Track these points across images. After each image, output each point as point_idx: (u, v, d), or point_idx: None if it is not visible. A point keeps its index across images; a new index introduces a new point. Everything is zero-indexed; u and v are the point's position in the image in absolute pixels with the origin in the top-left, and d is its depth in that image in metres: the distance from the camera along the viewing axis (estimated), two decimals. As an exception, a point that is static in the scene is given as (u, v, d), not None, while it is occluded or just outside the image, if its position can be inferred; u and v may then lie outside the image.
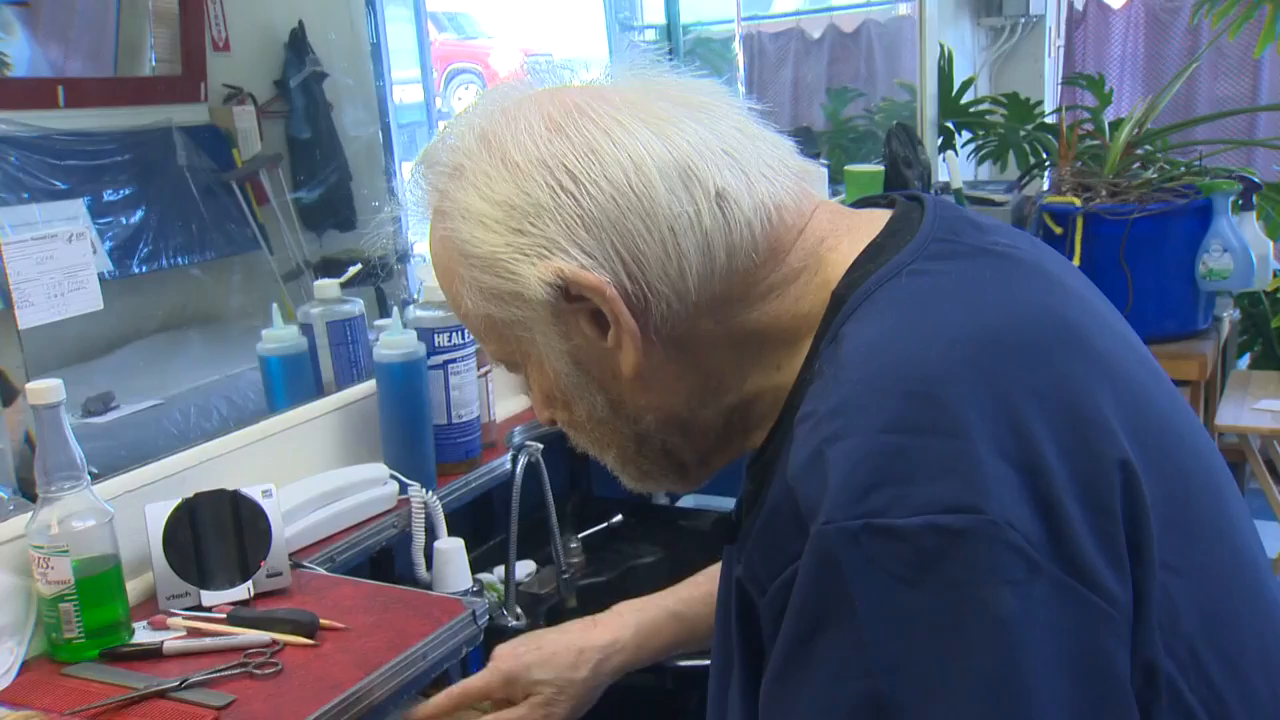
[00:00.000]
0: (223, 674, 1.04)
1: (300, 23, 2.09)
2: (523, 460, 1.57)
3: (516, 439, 1.62)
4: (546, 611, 1.65)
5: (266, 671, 1.04)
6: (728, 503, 1.93)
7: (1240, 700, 0.64)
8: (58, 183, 1.76)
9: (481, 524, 1.67)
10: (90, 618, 1.07)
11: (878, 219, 0.73)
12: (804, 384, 0.69)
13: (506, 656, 1.08)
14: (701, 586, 1.09)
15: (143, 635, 1.11)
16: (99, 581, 1.07)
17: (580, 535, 1.76)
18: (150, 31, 1.97)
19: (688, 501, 2.02)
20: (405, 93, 2.40)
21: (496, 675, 1.07)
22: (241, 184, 2.06)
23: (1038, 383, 0.62)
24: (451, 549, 1.39)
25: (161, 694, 1.01)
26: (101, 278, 1.72)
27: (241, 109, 2.04)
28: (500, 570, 1.59)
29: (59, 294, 1.10)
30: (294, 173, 2.17)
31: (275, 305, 1.49)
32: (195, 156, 1.99)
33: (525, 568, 1.68)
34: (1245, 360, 3.25)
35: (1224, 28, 2.92)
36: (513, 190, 0.70)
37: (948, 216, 0.73)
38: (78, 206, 1.68)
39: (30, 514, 1.06)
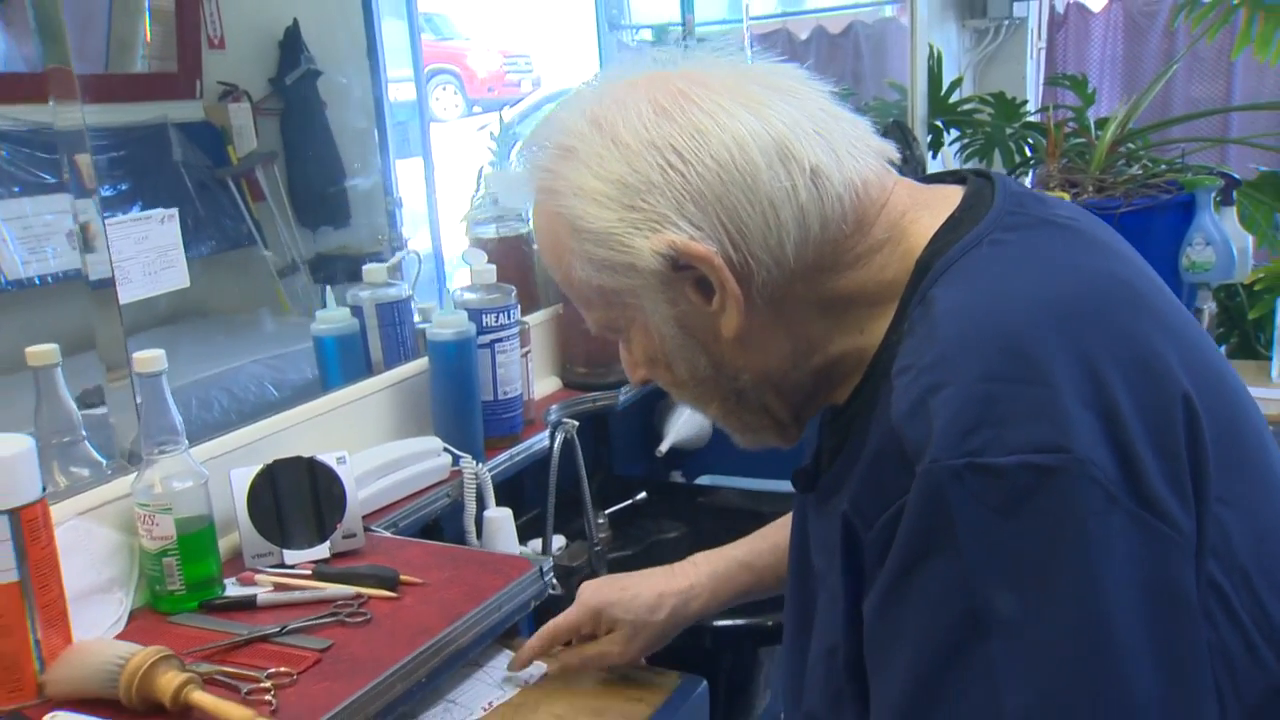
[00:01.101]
0: (316, 623, 1.12)
1: (295, 21, 2.12)
2: (560, 436, 1.66)
3: (553, 416, 1.70)
4: (577, 584, 1.74)
5: (357, 620, 1.12)
6: (744, 483, 2.04)
7: (1282, 609, 0.74)
8: (47, 176, 1.77)
9: (515, 501, 1.76)
10: (190, 572, 1.14)
11: (953, 195, 0.82)
12: (892, 344, 0.77)
13: (593, 595, 1.14)
14: (769, 539, 1.16)
15: (234, 590, 1.18)
16: (197, 538, 1.15)
17: (606, 512, 1.85)
18: (144, 29, 1.99)
19: (704, 480, 2.11)
20: (397, 91, 2.41)
21: (586, 611, 1.14)
22: (237, 180, 2.07)
23: (1110, 339, 0.71)
24: (501, 517, 1.47)
25: (265, 639, 1.09)
26: None
27: (237, 106, 2.05)
28: (535, 543, 1.67)
29: (153, 271, 1.18)
30: (289, 169, 2.17)
31: (329, 289, 1.56)
32: (191, 152, 2.01)
33: (557, 542, 1.76)
34: (1223, 351, 3.37)
35: (1202, 31, 3.05)
36: (625, 169, 0.78)
37: (1015, 192, 0.82)
38: (67, 200, 1.78)
39: (134, 475, 1.14)
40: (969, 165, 3.62)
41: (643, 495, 1.89)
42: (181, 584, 1.14)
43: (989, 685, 0.67)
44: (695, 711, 1.13)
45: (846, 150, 0.79)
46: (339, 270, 2.17)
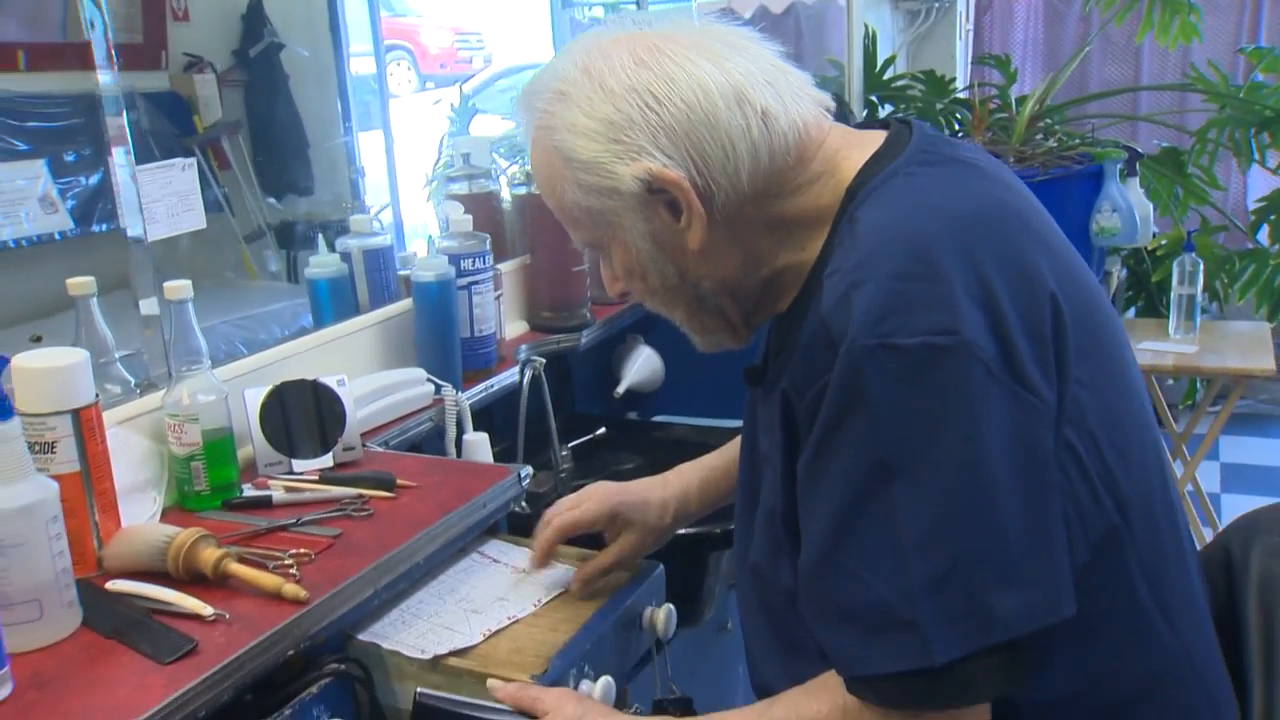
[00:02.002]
0: (326, 516, 1.28)
1: (258, -6, 2.18)
2: (529, 372, 1.83)
3: (523, 354, 1.88)
4: (543, 507, 1.91)
5: (362, 515, 1.29)
6: (695, 422, 2.23)
7: (1123, 471, 0.93)
8: (20, 144, 1.83)
9: (487, 434, 1.92)
10: (214, 475, 1.30)
11: (877, 137, 1.00)
12: (825, 257, 0.95)
13: (610, 497, 1.26)
14: (735, 450, 1.30)
15: (251, 493, 1.34)
16: (219, 445, 1.31)
17: (570, 445, 2.02)
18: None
19: (659, 418, 2.30)
20: (357, 65, 2.46)
21: (604, 510, 1.25)
22: (203, 149, 2.13)
23: (995, 249, 0.90)
24: (479, 440, 1.64)
25: (283, 529, 1.25)
26: (63, 236, 1.87)
27: (202, 77, 2.14)
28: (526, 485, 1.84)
29: (175, 213, 1.32)
30: (254, 139, 2.25)
31: (321, 237, 1.72)
32: (157, 121, 2.08)
33: (523, 471, 1.93)
34: (1132, 312, 3.64)
35: (1110, 16, 3.28)
36: (610, 109, 0.95)
37: (929, 135, 1.00)
38: (39, 166, 1.80)
39: (165, 390, 1.29)
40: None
41: (602, 430, 2.07)
42: (207, 485, 1.30)
43: (892, 518, 0.86)
44: (654, 585, 1.31)
45: (791, 97, 0.97)
46: (303, 237, 2.27)
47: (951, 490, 0.85)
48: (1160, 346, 2.95)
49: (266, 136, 2.29)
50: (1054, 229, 1.00)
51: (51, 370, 1.10)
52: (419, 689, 1.10)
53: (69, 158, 1.87)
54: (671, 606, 1.31)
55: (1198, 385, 3.52)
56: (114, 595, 1.10)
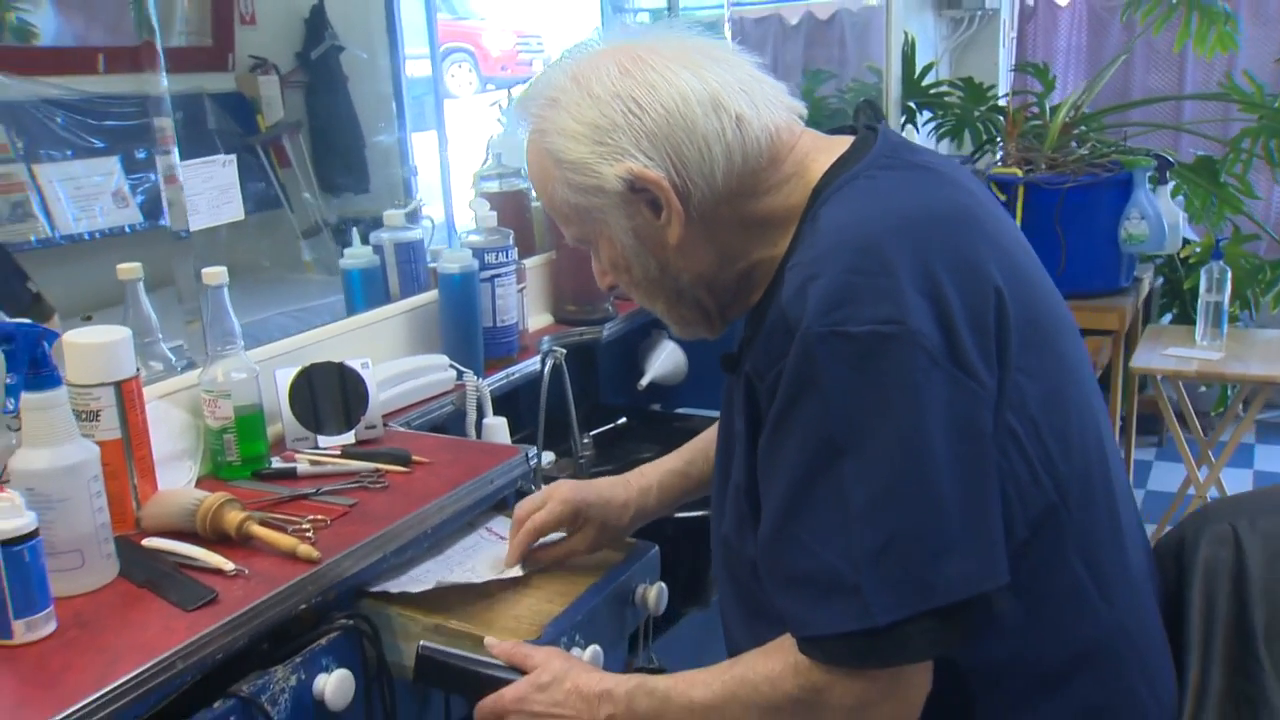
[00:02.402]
0: (344, 488, 1.39)
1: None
2: (550, 361, 1.93)
3: (545, 345, 1.98)
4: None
5: (377, 487, 1.40)
6: (715, 414, 2.30)
7: (1063, 455, 1.00)
8: (96, 141, 1.92)
9: (510, 422, 2.03)
10: (244, 447, 1.42)
11: (844, 142, 1.08)
12: (791, 252, 1.03)
13: (571, 494, 1.31)
14: (698, 446, 1.40)
15: (278, 465, 1.45)
16: (250, 420, 1.42)
17: (591, 433, 2.12)
18: (182, 5, 2.12)
19: (685, 410, 2.38)
20: (413, 67, 2.56)
21: (567, 508, 1.30)
22: (265, 147, 2.26)
23: (944, 247, 0.97)
24: (497, 424, 1.75)
25: (304, 497, 1.36)
26: (132, 229, 1.99)
27: (266, 78, 2.25)
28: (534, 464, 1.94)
29: (216, 205, 1.44)
30: (313, 138, 2.36)
31: (355, 230, 1.83)
32: (223, 120, 2.19)
33: (546, 457, 2.03)
34: (1167, 319, 3.65)
35: (1148, 26, 3.31)
36: (596, 114, 1.03)
37: (892, 141, 1.08)
38: (113, 163, 1.91)
39: (200, 368, 1.41)
40: (939, 145, 3.88)
41: (624, 420, 2.16)
42: (237, 456, 1.42)
43: (840, 492, 0.93)
44: (648, 565, 1.40)
45: (765, 104, 1.05)
46: (358, 233, 2.40)
47: (894, 467, 0.92)
48: (1186, 353, 2.97)
49: (325, 136, 2.40)
50: (1008, 231, 1.07)
51: (97, 346, 1.22)
52: (422, 641, 1.20)
53: (139, 154, 1.95)
54: (663, 585, 1.40)
55: (1228, 393, 3.53)
56: (148, 550, 1.21)
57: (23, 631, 1.04)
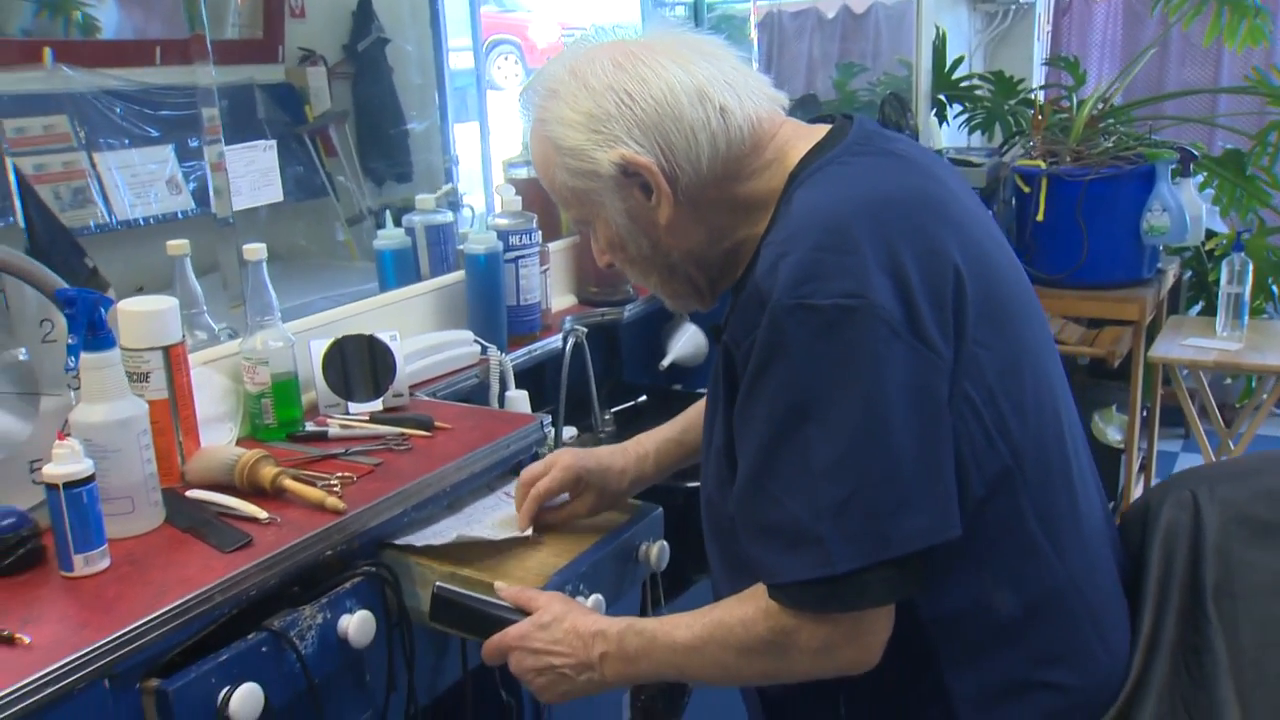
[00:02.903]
0: (371, 449, 1.51)
1: (367, -8, 2.31)
2: (571, 340, 2.04)
3: (567, 324, 2.09)
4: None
5: (401, 449, 1.51)
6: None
7: (1018, 422, 1.08)
8: (152, 130, 1.96)
9: (535, 398, 2.13)
10: (280, 412, 1.54)
11: (821, 130, 1.17)
12: (769, 231, 1.13)
13: (573, 462, 1.40)
14: (691, 415, 1.48)
15: (311, 429, 1.57)
16: (286, 386, 1.54)
17: (612, 410, 2.23)
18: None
19: (705, 390, 2.47)
20: (457, 59, 2.60)
21: (569, 474, 1.40)
22: (312, 137, 2.29)
23: (906, 228, 1.05)
24: (519, 396, 1.86)
25: (334, 457, 1.48)
26: (184, 215, 2.09)
27: (314, 70, 2.28)
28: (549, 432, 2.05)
29: (257, 187, 1.56)
30: (358, 128, 2.39)
31: (388, 213, 1.95)
32: (272, 111, 2.21)
33: (568, 431, 2.14)
34: (1195, 310, 3.68)
35: (1178, 19, 3.34)
36: (592, 105, 1.13)
37: (868, 130, 1.17)
38: (167, 151, 1.95)
39: (240, 338, 1.53)
40: (970, 137, 3.93)
41: (644, 398, 2.27)
42: (274, 420, 1.54)
43: (805, 451, 1.02)
44: (652, 525, 1.50)
45: (748, 96, 1.14)
46: (391, 216, 2.47)
47: (855, 429, 1.01)
48: (1205, 343, 3.01)
49: (370, 126, 2.44)
50: (973, 216, 1.15)
51: (148, 313, 1.34)
52: (437, 582, 1.31)
53: (192, 143, 2.00)
54: (665, 543, 1.50)
55: (1252, 384, 3.56)
56: (191, 500, 1.34)
57: (81, 565, 1.17)
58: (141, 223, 1.88)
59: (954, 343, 1.05)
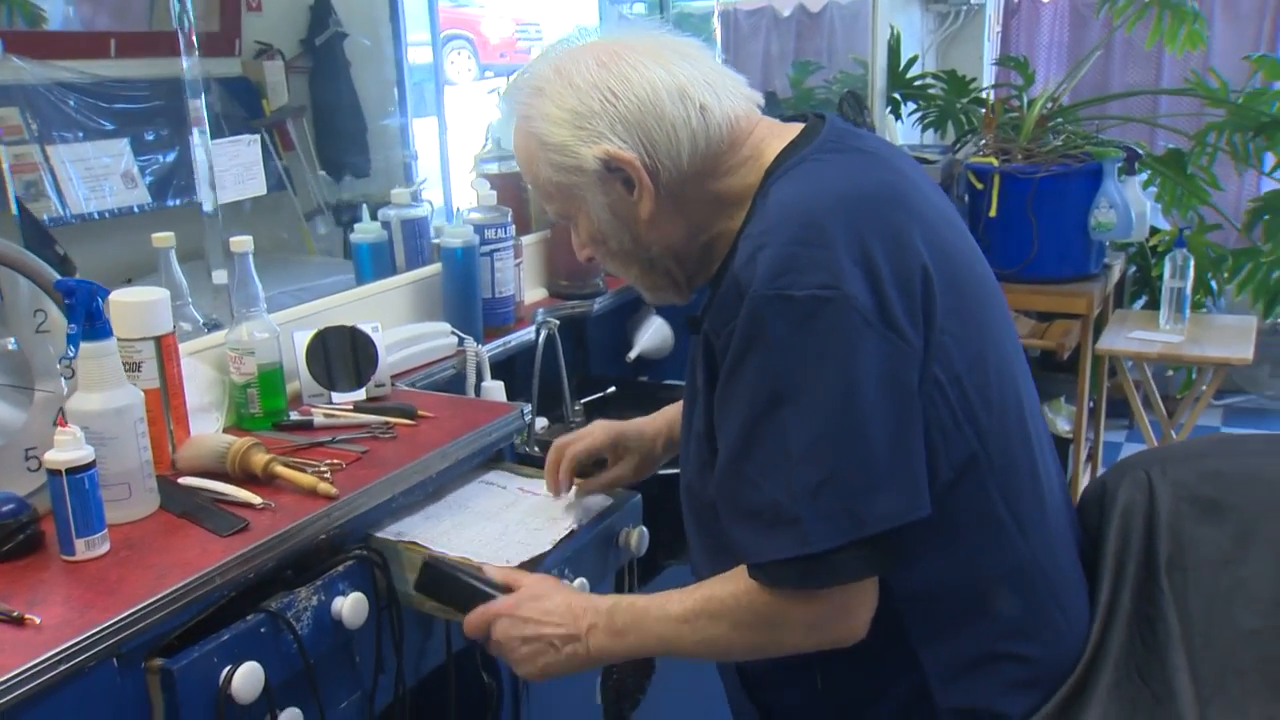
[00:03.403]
0: (357, 437, 1.54)
1: (325, -15, 2.31)
2: (544, 331, 2.08)
3: (539, 316, 2.13)
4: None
5: (386, 437, 1.55)
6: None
7: (984, 408, 1.15)
8: (106, 124, 1.98)
9: (508, 389, 2.18)
10: (266, 401, 1.57)
11: (795, 128, 1.23)
12: (745, 225, 1.18)
13: (610, 428, 1.48)
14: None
15: (296, 418, 1.61)
16: (271, 376, 1.57)
17: (582, 401, 2.27)
18: None
19: (671, 382, 2.53)
20: (414, 54, 2.62)
21: (609, 436, 1.48)
22: (269, 131, 2.30)
23: (877, 222, 1.11)
24: (495, 387, 1.90)
25: (320, 445, 1.51)
26: (141, 209, 2.07)
27: (271, 64, 2.31)
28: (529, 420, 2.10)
29: (241, 180, 1.59)
30: (316, 123, 2.42)
31: (365, 207, 1.98)
32: (229, 104, 2.23)
33: (540, 422, 2.19)
34: (1139, 305, 3.81)
35: (1122, 23, 3.46)
36: (576, 102, 1.17)
37: (839, 129, 1.22)
38: (123, 145, 1.97)
39: (227, 329, 1.56)
40: (924, 135, 4.03)
41: (613, 389, 2.32)
42: (260, 409, 1.57)
43: (782, 436, 1.07)
44: (632, 511, 1.55)
45: (726, 95, 1.19)
46: (358, 216, 2.48)
47: (830, 415, 1.06)
48: (1149, 336, 3.12)
49: (328, 121, 2.47)
50: (938, 210, 1.21)
51: (140, 304, 1.37)
52: (429, 555, 1.35)
53: (148, 137, 2.03)
54: (644, 529, 1.55)
55: (1193, 375, 3.69)
56: (184, 487, 1.37)
57: (83, 549, 1.20)
58: (96, 216, 1.88)
59: (924, 331, 1.10)
